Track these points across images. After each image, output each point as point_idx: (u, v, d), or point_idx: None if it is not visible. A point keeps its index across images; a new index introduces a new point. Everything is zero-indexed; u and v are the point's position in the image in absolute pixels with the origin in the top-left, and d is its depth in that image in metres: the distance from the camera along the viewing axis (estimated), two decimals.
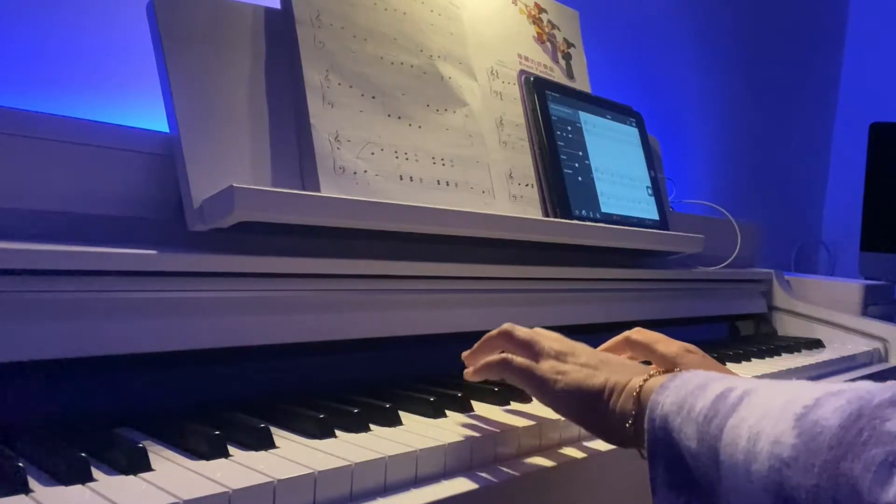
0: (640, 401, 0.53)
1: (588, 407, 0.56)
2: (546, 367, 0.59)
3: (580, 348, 0.61)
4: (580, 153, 1.05)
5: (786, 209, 2.44)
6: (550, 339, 0.63)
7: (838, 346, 1.36)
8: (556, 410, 0.59)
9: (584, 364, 0.59)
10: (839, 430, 0.38)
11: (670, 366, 0.74)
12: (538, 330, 0.65)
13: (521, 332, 0.64)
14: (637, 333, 0.79)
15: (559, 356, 0.60)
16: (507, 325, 0.65)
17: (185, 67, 0.70)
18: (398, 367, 0.82)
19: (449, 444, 0.57)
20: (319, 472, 0.48)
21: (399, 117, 0.83)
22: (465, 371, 0.66)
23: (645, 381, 0.54)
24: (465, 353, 0.68)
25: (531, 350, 0.62)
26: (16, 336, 0.54)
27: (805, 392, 0.43)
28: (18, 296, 0.54)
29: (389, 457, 0.52)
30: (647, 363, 0.82)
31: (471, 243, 0.88)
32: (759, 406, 0.44)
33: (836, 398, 0.40)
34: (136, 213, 0.69)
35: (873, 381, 0.42)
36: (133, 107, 0.87)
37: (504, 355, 0.61)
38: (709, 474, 0.45)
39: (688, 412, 0.48)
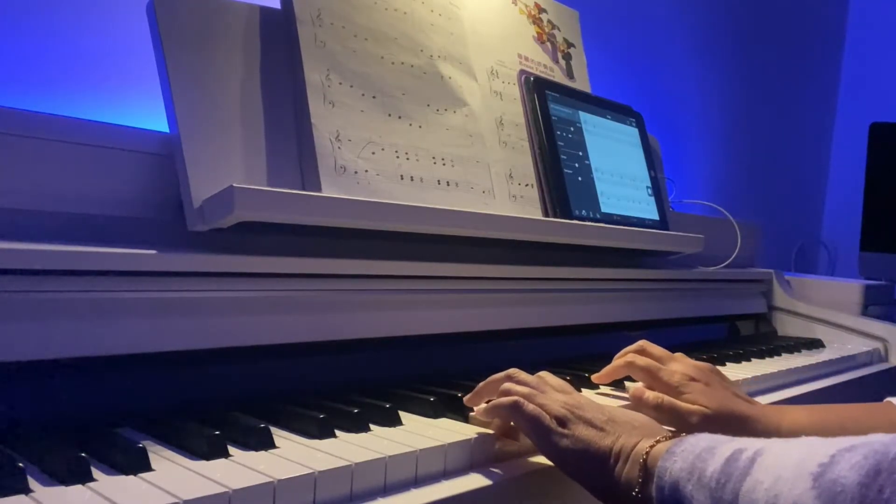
0: (647, 467, 0.52)
1: (593, 470, 0.55)
2: (554, 416, 0.57)
3: (586, 400, 0.60)
4: (580, 153, 1.05)
5: (786, 209, 2.44)
6: (557, 388, 0.62)
7: (838, 346, 1.36)
8: (560, 467, 0.58)
9: (591, 420, 0.57)
10: (860, 489, 0.38)
11: (675, 394, 0.73)
12: (543, 375, 0.65)
13: (527, 377, 0.63)
14: (640, 359, 0.77)
15: (567, 406, 0.58)
16: (512, 370, 0.64)
17: (185, 67, 0.70)
18: (398, 367, 0.82)
19: (449, 444, 0.57)
20: (319, 472, 0.48)
21: (399, 117, 0.83)
22: (471, 415, 0.64)
23: (651, 446, 0.53)
24: (466, 397, 0.67)
25: (539, 393, 0.61)
26: (16, 336, 0.54)
27: (818, 449, 0.42)
28: (19, 296, 0.54)
29: (389, 457, 0.52)
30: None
31: (471, 243, 0.88)
32: (773, 466, 0.43)
33: (851, 454, 0.40)
34: (136, 213, 0.69)
35: (884, 434, 0.42)
36: (133, 107, 0.87)
37: (516, 399, 0.59)
38: None
39: (698, 478, 0.47)
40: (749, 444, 0.47)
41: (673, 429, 0.56)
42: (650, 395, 0.73)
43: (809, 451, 0.42)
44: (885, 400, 0.76)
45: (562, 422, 0.57)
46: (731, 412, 0.70)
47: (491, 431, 0.61)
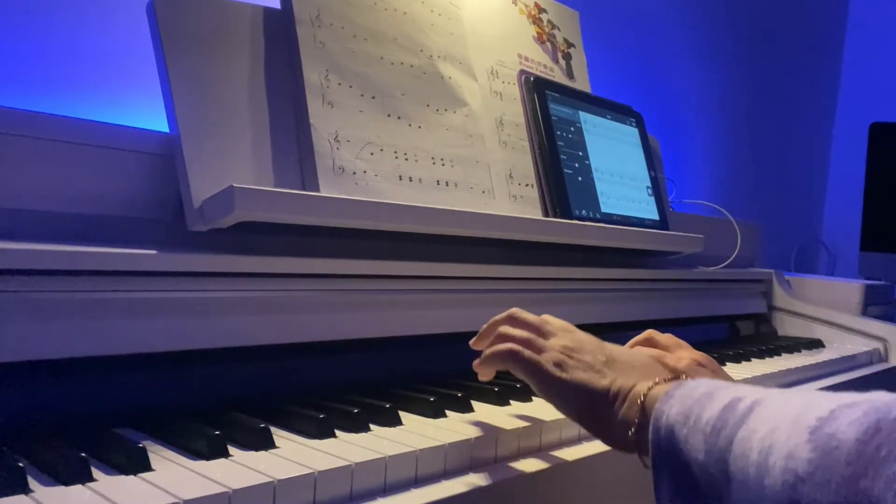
0: (644, 409, 0.52)
1: (591, 410, 0.55)
2: (551, 362, 0.57)
3: (587, 342, 0.60)
4: (580, 153, 1.05)
5: (786, 209, 2.44)
6: (558, 330, 0.62)
7: (838, 346, 1.36)
8: (558, 408, 0.58)
9: (589, 363, 0.57)
10: (856, 445, 0.37)
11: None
12: (546, 317, 0.64)
13: (529, 317, 0.63)
14: (644, 348, 0.77)
15: (565, 350, 0.58)
16: (514, 310, 0.64)
17: (185, 67, 0.70)
18: (398, 367, 0.82)
19: (449, 444, 0.57)
20: (319, 472, 0.48)
21: (399, 117, 0.83)
22: (475, 362, 0.64)
23: (650, 388, 0.52)
24: (472, 340, 0.67)
25: (538, 338, 0.61)
26: (16, 336, 0.54)
27: (818, 403, 0.41)
28: (18, 296, 0.54)
29: (389, 457, 0.52)
30: None
31: (471, 243, 0.88)
32: (770, 417, 0.42)
33: (851, 410, 0.39)
34: (136, 213, 0.69)
35: (887, 392, 0.41)
36: (133, 107, 0.87)
37: (511, 345, 0.59)
38: (717, 486, 0.44)
39: (694, 422, 0.46)
40: (748, 393, 0.46)
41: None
42: None
43: (810, 404, 0.41)
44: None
45: (560, 366, 0.57)
46: None
47: (490, 430, 0.61)
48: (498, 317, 0.65)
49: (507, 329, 0.62)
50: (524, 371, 0.58)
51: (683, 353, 0.75)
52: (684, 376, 0.53)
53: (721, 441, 0.44)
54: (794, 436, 0.39)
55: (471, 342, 0.67)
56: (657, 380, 0.54)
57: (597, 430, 0.56)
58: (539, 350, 0.59)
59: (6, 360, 0.53)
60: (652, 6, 1.84)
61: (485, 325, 0.66)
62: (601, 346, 0.60)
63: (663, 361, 0.74)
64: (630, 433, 0.52)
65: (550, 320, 0.64)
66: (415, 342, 0.81)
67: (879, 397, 0.40)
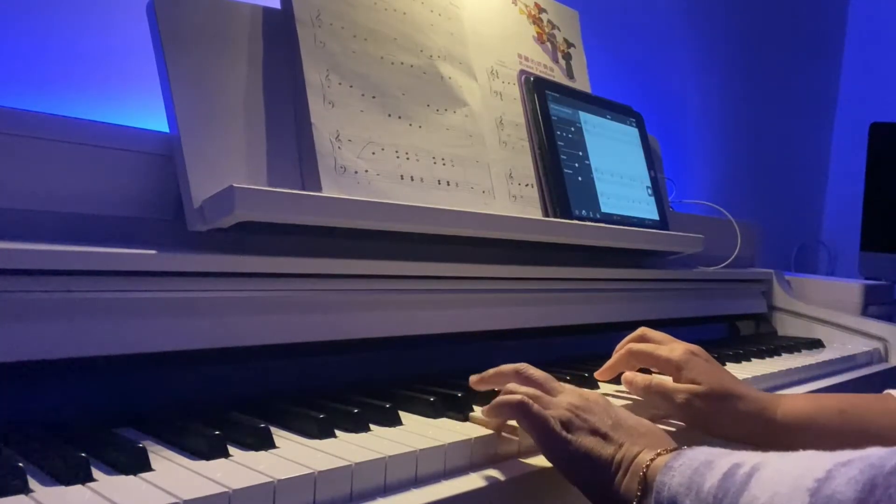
0: (646, 480, 0.52)
1: (594, 478, 0.55)
2: (559, 420, 0.57)
3: (594, 402, 0.59)
4: (580, 153, 1.05)
5: (786, 209, 2.44)
6: (566, 388, 0.62)
7: (838, 346, 1.36)
8: (560, 470, 0.57)
9: (594, 428, 0.57)
10: None
11: (674, 371, 0.74)
12: (550, 377, 0.64)
13: (537, 373, 0.64)
14: (638, 344, 0.78)
15: (572, 409, 0.58)
16: (522, 365, 0.65)
17: (185, 67, 0.70)
18: (398, 367, 0.82)
19: (449, 444, 0.56)
20: (319, 472, 0.48)
21: (399, 117, 0.83)
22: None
23: (652, 459, 0.53)
24: (473, 378, 0.67)
25: (544, 392, 0.61)
26: (16, 336, 0.54)
27: (815, 464, 0.42)
28: (18, 296, 0.54)
29: (389, 457, 0.52)
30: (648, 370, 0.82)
31: (471, 243, 0.88)
32: (770, 482, 0.43)
33: (847, 469, 0.40)
34: (136, 213, 0.69)
35: (882, 448, 0.42)
36: (133, 107, 0.87)
37: (521, 397, 0.59)
38: None
39: (696, 493, 0.47)
40: (746, 459, 0.47)
41: (675, 445, 0.56)
42: (639, 378, 0.74)
43: (806, 465, 0.42)
44: (885, 392, 0.77)
45: (567, 426, 0.57)
46: (727, 389, 0.72)
47: (490, 431, 0.61)
48: (504, 367, 0.65)
49: (514, 386, 0.62)
50: (531, 426, 0.58)
51: (676, 345, 0.76)
52: (684, 448, 0.53)
53: None
54: (795, 499, 0.40)
55: (471, 379, 0.67)
56: (660, 450, 0.53)
57: (597, 498, 0.56)
58: (546, 406, 0.58)
59: (6, 360, 0.53)
60: (652, 6, 1.84)
61: (490, 371, 0.66)
62: (607, 407, 0.60)
63: (656, 354, 0.75)
64: None
65: (555, 381, 0.64)
66: (415, 342, 0.81)
67: (874, 452, 0.41)
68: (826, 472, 0.41)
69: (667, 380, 0.74)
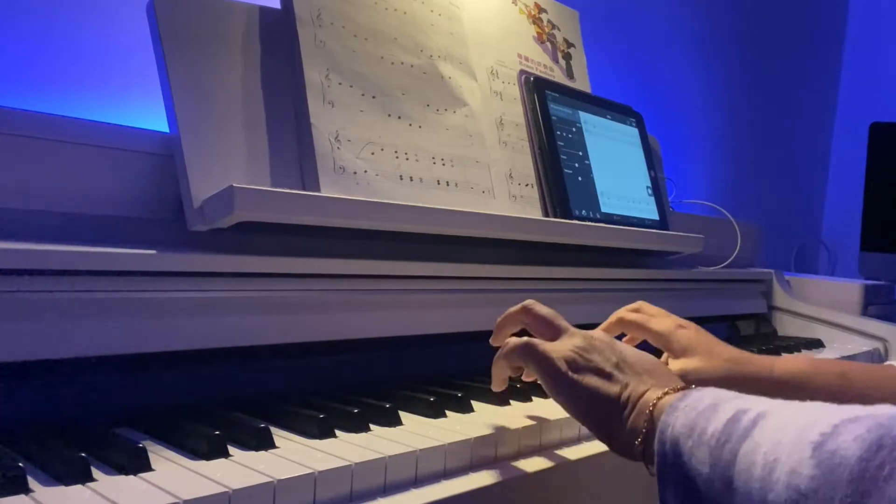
0: (652, 418, 0.51)
1: (600, 415, 0.55)
2: (564, 359, 0.57)
3: (598, 341, 0.60)
4: (580, 153, 1.05)
5: (786, 209, 2.44)
6: (571, 329, 0.62)
7: (838, 346, 1.36)
8: (567, 410, 0.58)
9: (600, 367, 0.57)
10: (859, 463, 0.37)
11: (664, 342, 0.75)
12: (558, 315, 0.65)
13: (543, 309, 0.64)
14: (631, 313, 0.79)
15: (577, 350, 0.58)
16: (529, 301, 0.65)
17: (185, 67, 0.70)
18: (398, 367, 0.82)
19: (449, 444, 0.56)
20: (319, 472, 0.48)
21: (399, 117, 0.83)
22: (496, 357, 0.64)
23: (659, 398, 0.52)
24: (491, 339, 0.68)
25: (551, 330, 0.61)
26: (16, 336, 0.54)
27: (822, 417, 0.41)
28: (18, 296, 0.54)
29: (389, 457, 0.52)
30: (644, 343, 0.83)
31: (471, 243, 0.88)
32: (774, 430, 0.42)
33: (855, 425, 0.39)
34: (136, 213, 0.69)
35: (890, 406, 0.41)
36: (133, 107, 0.87)
37: (528, 340, 0.59)
38: (722, 500, 0.44)
39: (699, 435, 0.46)
40: (753, 405, 0.46)
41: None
42: None
43: (813, 417, 0.41)
44: (885, 363, 0.77)
45: (572, 365, 0.57)
46: (719, 353, 0.73)
47: (490, 431, 0.61)
48: (512, 309, 0.66)
49: (522, 318, 0.64)
50: (537, 365, 0.58)
51: (667, 319, 0.77)
52: (692, 387, 0.53)
53: (725, 455, 0.44)
54: (798, 451, 0.40)
55: (491, 340, 0.68)
56: (667, 389, 0.53)
57: (604, 437, 0.56)
58: (552, 347, 0.59)
59: (6, 360, 0.53)
60: (652, 6, 1.84)
61: (499, 318, 0.67)
62: (612, 345, 0.60)
63: (647, 327, 0.76)
64: (637, 442, 0.52)
65: (562, 319, 0.64)
66: (415, 342, 0.81)
67: (883, 411, 0.40)
68: (832, 426, 0.40)
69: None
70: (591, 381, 0.56)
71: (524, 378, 0.70)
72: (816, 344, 1.35)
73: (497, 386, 0.64)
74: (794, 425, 0.42)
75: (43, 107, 0.68)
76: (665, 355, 0.76)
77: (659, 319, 0.77)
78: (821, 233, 2.69)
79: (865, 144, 2.13)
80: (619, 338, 0.85)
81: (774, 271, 1.53)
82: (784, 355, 0.78)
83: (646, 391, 0.54)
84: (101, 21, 0.89)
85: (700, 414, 0.48)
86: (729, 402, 0.47)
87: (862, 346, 1.35)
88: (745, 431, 0.44)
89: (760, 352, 1.15)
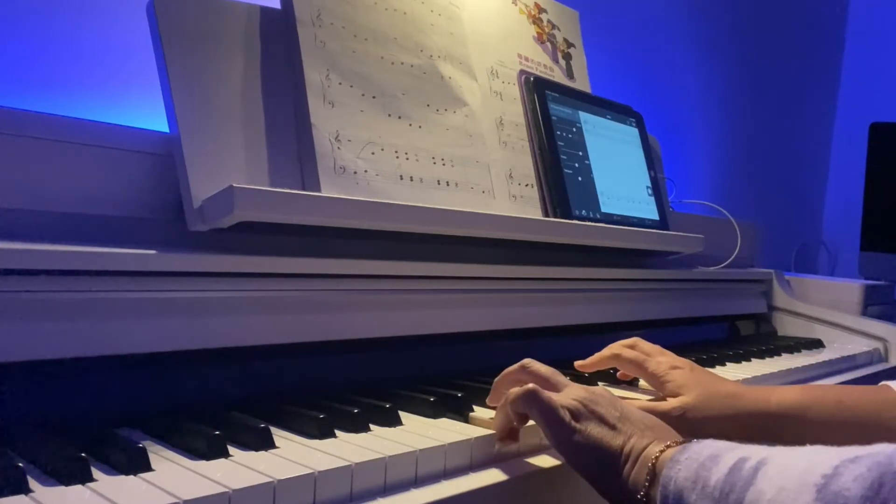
0: (654, 472, 0.52)
1: (602, 468, 0.55)
2: (567, 408, 0.57)
3: (600, 395, 0.60)
4: (580, 153, 1.05)
5: (786, 209, 2.44)
6: (571, 383, 0.62)
7: (838, 346, 1.36)
8: (567, 460, 0.58)
9: (602, 418, 0.57)
10: (863, 501, 0.38)
11: (658, 384, 0.74)
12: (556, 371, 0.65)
13: (542, 368, 0.64)
14: (627, 350, 0.79)
15: (580, 400, 0.58)
16: (526, 361, 0.65)
17: (185, 67, 0.70)
18: (398, 367, 0.82)
19: (449, 444, 0.57)
20: (319, 472, 0.48)
21: (399, 117, 0.83)
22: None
23: (661, 451, 0.52)
24: (488, 398, 0.68)
25: (549, 386, 0.61)
26: (16, 336, 0.54)
27: (822, 459, 0.42)
28: (18, 296, 0.54)
29: (389, 457, 0.52)
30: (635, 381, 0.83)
31: (471, 243, 0.88)
32: (776, 477, 0.43)
33: (855, 465, 0.40)
34: (136, 213, 0.69)
35: (889, 444, 0.41)
36: (133, 107, 0.87)
37: (533, 386, 0.59)
38: None
39: (702, 487, 0.46)
40: (753, 453, 0.46)
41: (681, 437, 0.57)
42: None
43: (814, 460, 0.42)
44: (881, 383, 0.77)
45: (575, 415, 0.57)
46: (715, 391, 0.72)
47: (490, 431, 0.61)
48: (510, 368, 0.66)
49: (520, 377, 0.63)
50: (541, 414, 0.58)
51: (662, 359, 0.76)
52: (692, 440, 0.53)
53: None
54: (802, 495, 0.40)
55: (488, 400, 0.68)
56: (669, 443, 0.53)
57: (604, 489, 0.56)
58: (556, 396, 0.59)
59: (6, 360, 0.53)
60: (652, 6, 1.84)
61: (497, 378, 0.67)
62: (613, 400, 0.60)
63: (643, 367, 0.76)
64: (640, 496, 0.52)
65: (560, 375, 0.65)
66: (415, 342, 0.81)
67: (882, 450, 0.41)
68: (833, 468, 0.40)
69: (659, 404, 0.74)
70: (595, 431, 0.56)
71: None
72: (816, 344, 1.35)
73: (499, 434, 0.63)
74: (795, 469, 0.42)
75: (43, 107, 0.68)
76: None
77: (655, 360, 0.77)
78: (821, 233, 2.69)
79: (865, 144, 2.13)
80: (613, 372, 0.85)
81: (774, 271, 1.53)
82: (779, 386, 0.77)
83: (648, 444, 0.54)
84: (101, 21, 0.89)
85: (702, 465, 0.48)
86: (730, 452, 0.48)
87: (862, 346, 1.35)
88: (748, 480, 0.44)
89: (761, 352, 1.16)
